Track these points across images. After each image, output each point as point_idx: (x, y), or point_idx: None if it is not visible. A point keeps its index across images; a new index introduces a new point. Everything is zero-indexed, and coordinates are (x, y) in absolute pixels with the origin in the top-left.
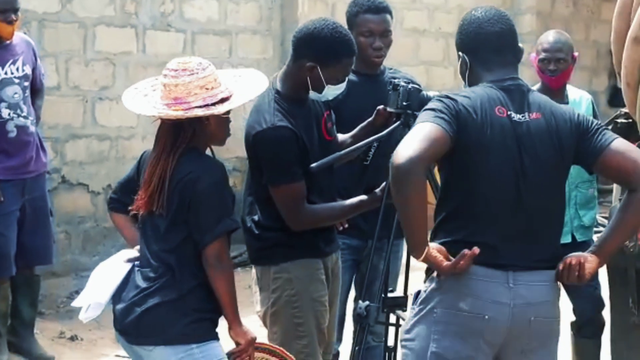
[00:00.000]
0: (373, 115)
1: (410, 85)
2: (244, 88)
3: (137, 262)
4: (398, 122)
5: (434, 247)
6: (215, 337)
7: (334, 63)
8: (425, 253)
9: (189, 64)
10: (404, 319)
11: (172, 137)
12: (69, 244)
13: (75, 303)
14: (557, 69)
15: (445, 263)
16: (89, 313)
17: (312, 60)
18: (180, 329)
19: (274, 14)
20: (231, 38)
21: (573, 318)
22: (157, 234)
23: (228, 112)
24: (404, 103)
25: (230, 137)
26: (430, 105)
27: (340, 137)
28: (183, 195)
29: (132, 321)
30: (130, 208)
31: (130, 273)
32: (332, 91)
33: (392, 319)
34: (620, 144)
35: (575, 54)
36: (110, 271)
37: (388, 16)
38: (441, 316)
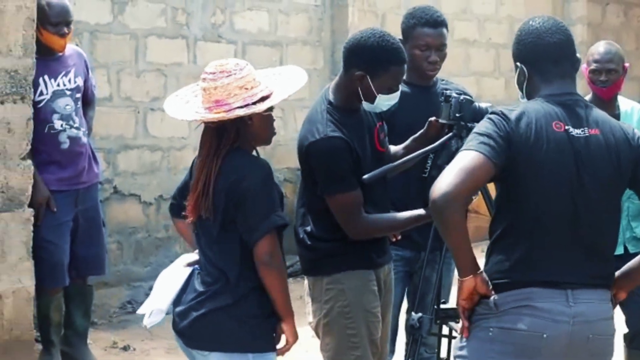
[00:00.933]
0: (425, 127)
1: (462, 97)
2: (283, 84)
3: (197, 266)
4: (450, 134)
5: (480, 278)
6: (273, 348)
7: (382, 72)
8: (468, 278)
9: (226, 65)
10: (456, 331)
11: (216, 140)
12: (121, 255)
13: (140, 310)
14: (608, 80)
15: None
16: (152, 319)
17: (362, 70)
18: (237, 336)
19: (324, 25)
20: (282, 49)
21: (626, 330)
22: (210, 239)
23: (270, 109)
24: (457, 114)
25: (280, 147)
26: (479, 126)
27: (393, 148)
28: (229, 197)
29: (188, 324)
30: (184, 214)
31: (191, 276)
32: (385, 102)
33: (445, 330)
34: None
35: (627, 64)
36: (172, 277)
37: (445, 30)
38: (497, 335)
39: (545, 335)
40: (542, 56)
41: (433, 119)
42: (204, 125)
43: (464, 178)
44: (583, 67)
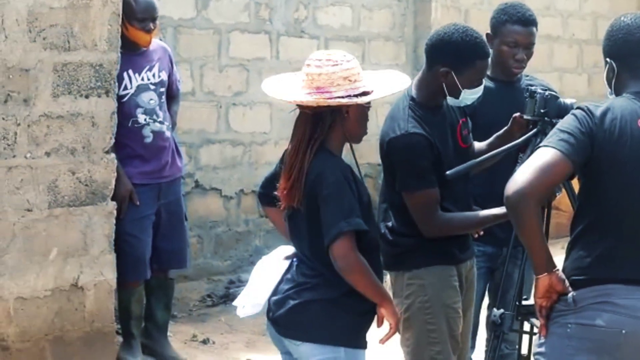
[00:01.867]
0: (509, 123)
1: (547, 93)
2: (385, 84)
3: (295, 259)
4: (535, 130)
5: (555, 276)
6: (365, 345)
7: (468, 67)
8: (543, 276)
9: (334, 55)
10: (537, 327)
11: (311, 127)
12: (202, 248)
13: (236, 301)
14: None
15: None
16: (247, 310)
17: (446, 66)
18: (331, 329)
19: (407, 21)
20: (364, 44)
21: None
22: (303, 231)
23: (369, 104)
24: (541, 110)
25: (362, 143)
26: (562, 122)
27: (477, 145)
28: (312, 195)
29: (284, 313)
30: (281, 204)
31: (289, 269)
32: (470, 96)
33: (526, 327)
34: None
35: None
36: (269, 269)
37: (535, 29)
38: (575, 331)
39: (624, 332)
40: (632, 52)
41: (517, 115)
42: (299, 112)
43: (539, 175)
44: None
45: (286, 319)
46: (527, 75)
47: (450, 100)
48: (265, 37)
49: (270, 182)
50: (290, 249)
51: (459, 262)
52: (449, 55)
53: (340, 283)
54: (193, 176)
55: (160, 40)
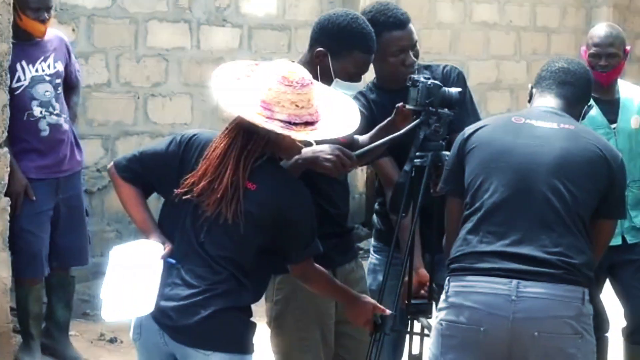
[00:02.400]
0: (393, 113)
1: (430, 82)
2: (331, 120)
3: (171, 259)
4: (418, 120)
5: None
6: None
7: (345, 54)
8: None
9: (292, 74)
10: (426, 326)
11: (245, 137)
12: (121, 243)
13: (105, 307)
14: (608, 65)
15: None
16: (122, 312)
17: (324, 47)
18: (243, 338)
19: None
20: (290, 33)
21: (624, 323)
22: (226, 240)
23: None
24: (425, 100)
25: None
26: None
27: (360, 138)
28: (275, 221)
29: (195, 322)
30: (179, 192)
31: (169, 270)
32: (342, 89)
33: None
34: None
35: (628, 47)
36: (141, 268)
37: (411, 26)
38: (446, 328)
39: (482, 329)
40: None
41: (400, 105)
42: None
43: (447, 229)
44: (582, 49)
45: (198, 328)
46: (428, 66)
47: None
48: (185, 26)
49: (145, 161)
50: (154, 245)
51: (336, 266)
52: (330, 37)
53: (250, 291)
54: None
55: (73, 30)
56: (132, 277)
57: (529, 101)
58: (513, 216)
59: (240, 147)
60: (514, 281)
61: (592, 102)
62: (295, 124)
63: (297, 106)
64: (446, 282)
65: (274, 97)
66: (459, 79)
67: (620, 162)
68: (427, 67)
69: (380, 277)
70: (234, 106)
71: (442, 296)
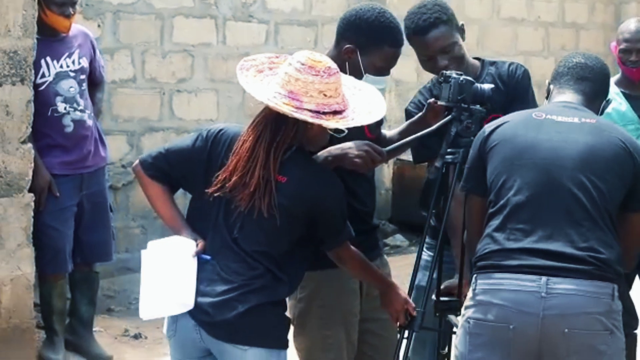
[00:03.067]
0: (424, 109)
1: (462, 78)
2: (358, 108)
3: (206, 255)
4: (450, 116)
5: None
6: None
7: (374, 49)
8: None
9: (318, 64)
10: (455, 324)
11: (273, 129)
12: (145, 239)
13: (143, 304)
14: (638, 60)
15: None
16: (161, 309)
17: (352, 43)
18: (279, 333)
19: (362, 4)
20: (317, 29)
21: None
22: (260, 235)
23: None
24: (458, 97)
25: None
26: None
27: (388, 133)
28: (308, 213)
29: (233, 318)
30: (212, 190)
31: (203, 266)
32: (371, 83)
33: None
34: None
35: None
36: (175, 265)
37: (439, 30)
38: (473, 326)
39: (511, 327)
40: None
41: (432, 100)
42: (264, 106)
43: (468, 226)
44: (612, 45)
45: (235, 323)
46: (494, 62)
47: None
48: (211, 22)
49: (172, 159)
50: (186, 242)
51: None
52: (358, 33)
53: (285, 286)
54: None
55: (99, 26)
56: (168, 274)
57: (547, 97)
58: (539, 213)
59: (269, 139)
60: (543, 278)
61: (614, 97)
62: (324, 113)
63: (325, 95)
64: (473, 279)
65: (302, 87)
66: (524, 77)
67: None
68: (493, 64)
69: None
70: (262, 97)
71: (469, 294)
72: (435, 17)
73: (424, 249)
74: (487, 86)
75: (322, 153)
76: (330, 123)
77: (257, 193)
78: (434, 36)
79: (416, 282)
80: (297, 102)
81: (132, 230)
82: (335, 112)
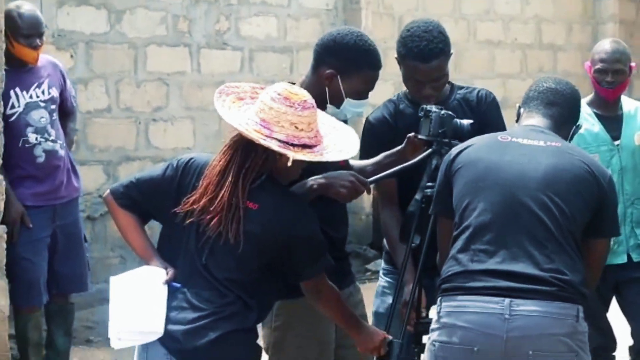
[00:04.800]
0: (404, 143)
1: (443, 112)
2: (330, 146)
3: (176, 283)
4: (430, 150)
5: None
6: None
7: (355, 73)
8: None
9: (294, 96)
10: None
11: (243, 156)
12: (124, 269)
13: (112, 332)
14: (614, 81)
15: None
16: (129, 339)
17: (332, 68)
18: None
19: None
20: (292, 55)
21: (631, 342)
22: (230, 261)
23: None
24: (439, 130)
25: None
26: None
27: (358, 163)
28: (279, 242)
29: (203, 345)
30: (180, 210)
31: (173, 294)
32: (352, 108)
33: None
34: None
35: (633, 64)
36: (145, 293)
37: (440, 60)
38: (438, 349)
39: (475, 349)
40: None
41: (412, 135)
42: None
43: (439, 246)
44: (587, 65)
45: (207, 351)
46: (462, 87)
47: (329, 109)
48: (185, 50)
49: (144, 188)
50: (156, 271)
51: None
52: (338, 57)
53: (256, 312)
54: None
55: (71, 57)
56: (137, 302)
57: (517, 121)
58: (503, 234)
59: (238, 164)
60: (507, 300)
61: (587, 117)
62: (293, 145)
63: (296, 128)
64: (438, 302)
65: (274, 116)
66: (494, 103)
67: (609, 179)
68: (461, 88)
69: (388, 300)
70: (234, 122)
71: (434, 317)
72: (440, 47)
73: (381, 275)
74: (466, 121)
75: (308, 181)
76: (297, 155)
77: (225, 218)
78: (433, 66)
79: (374, 309)
80: (267, 130)
81: (111, 260)
82: (305, 146)
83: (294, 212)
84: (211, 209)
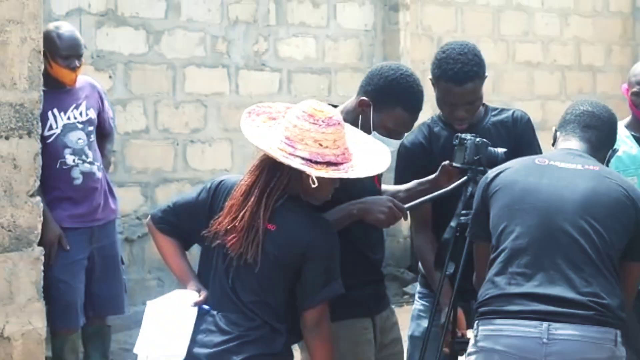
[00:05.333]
0: (438, 171)
1: (478, 139)
2: (360, 162)
3: (204, 306)
4: (465, 178)
5: None
6: None
7: (386, 108)
8: None
9: (319, 113)
10: None
11: (268, 176)
12: (162, 291)
13: (136, 351)
14: None
15: None
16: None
17: (369, 97)
18: None
19: (376, 51)
20: (330, 76)
21: None
22: (255, 284)
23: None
24: (474, 158)
25: None
26: None
27: (391, 188)
28: (298, 260)
29: None
30: (207, 232)
31: (202, 317)
32: None
33: None
34: None
35: None
36: (173, 316)
37: (474, 83)
38: None
39: None
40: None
41: (447, 163)
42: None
43: (476, 270)
44: (624, 87)
45: None
46: (497, 109)
47: None
48: (223, 71)
49: (179, 212)
50: (189, 294)
51: (374, 314)
52: (375, 88)
53: (283, 337)
54: None
55: (110, 77)
56: (164, 325)
57: (553, 144)
58: (540, 257)
59: (263, 184)
60: (545, 324)
61: (625, 140)
62: (317, 162)
63: (320, 145)
64: (475, 325)
65: (298, 134)
66: (528, 124)
67: None
68: (495, 110)
69: (424, 324)
70: (258, 140)
71: (471, 340)
72: (474, 70)
73: (416, 299)
74: (500, 150)
75: (346, 205)
76: (319, 173)
77: (245, 239)
78: (467, 89)
79: (409, 332)
80: (291, 148)
81: (149, 283)
82: (330, 164)
83: (310, 232)
84: (233, 229)
